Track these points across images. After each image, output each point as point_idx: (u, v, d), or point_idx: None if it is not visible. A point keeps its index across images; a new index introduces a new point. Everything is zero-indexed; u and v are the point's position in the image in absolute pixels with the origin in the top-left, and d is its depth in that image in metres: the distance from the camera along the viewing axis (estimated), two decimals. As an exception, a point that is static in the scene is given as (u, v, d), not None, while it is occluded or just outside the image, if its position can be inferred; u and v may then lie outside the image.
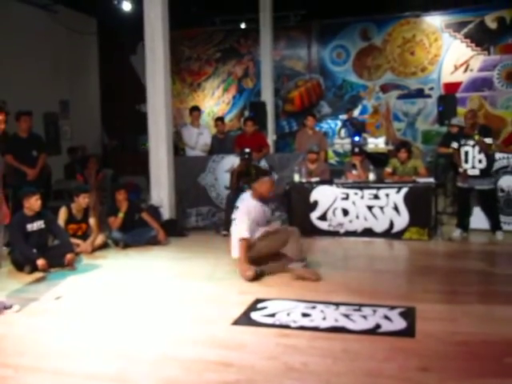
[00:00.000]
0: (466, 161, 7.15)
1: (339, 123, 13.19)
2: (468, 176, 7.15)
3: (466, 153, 7.14)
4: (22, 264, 6.06)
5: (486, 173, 7.12)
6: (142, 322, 4.44)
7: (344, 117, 12.73)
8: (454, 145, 7.31)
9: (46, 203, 7.72)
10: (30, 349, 3.92)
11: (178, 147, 9.41)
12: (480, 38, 12.44)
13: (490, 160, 7.22)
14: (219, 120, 9.84)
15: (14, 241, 6.15)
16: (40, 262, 5.95)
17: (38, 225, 6.26)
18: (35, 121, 8.90)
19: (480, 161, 7.08)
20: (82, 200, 7.06)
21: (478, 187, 7.19)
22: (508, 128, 11.97)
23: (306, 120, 9.35)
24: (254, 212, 5.76)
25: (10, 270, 6.14)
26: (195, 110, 9.58)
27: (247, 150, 8.08)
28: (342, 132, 11.80)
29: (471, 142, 7.06)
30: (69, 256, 6.21)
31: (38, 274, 5.97)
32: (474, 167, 7.11)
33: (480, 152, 7.04)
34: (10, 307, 4.76)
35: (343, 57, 13.58)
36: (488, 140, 7.03)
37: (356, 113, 13.16)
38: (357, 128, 11.56)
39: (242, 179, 8.13)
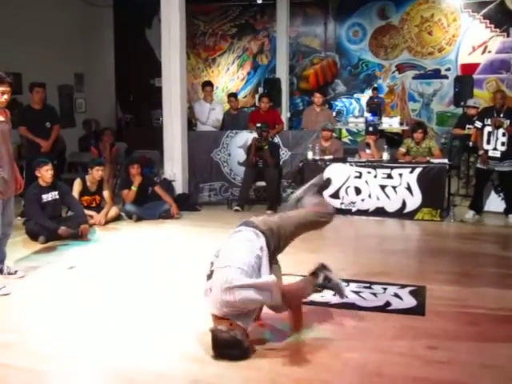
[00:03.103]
0: (488, 141, 7.03)
1: (354, 102, 13.10)
2: (488, 158, 7.03)
3: (489, 133, 7.01)
4: (37, 234, 6.15)
5: (506, 155, 6.97)
6: (133, 321, 4.17)
7: (368, 95, 12.60)
8: (478, 124, 7.19)
9: (60, 175, 7.79)
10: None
11: (191, 122, 9.37)
12: (499, 20, 12.19)
13: None
14: (232, 96, 9.77)
15: (30, 211, 6.23)
16: (62, 230, 6.07)
17: (52, 196, 6.32)
18: (50, 93, 8.92)
19: (503, 143, 6.95)
20: (96, 173, 7.11)
21: (498, 169, 7.08)
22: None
23: (314, 97, 9.31)
24: None
25: (25, 239, 6.24)
26: (208, 85, 9.52)
27: (263, 125, 8.06)
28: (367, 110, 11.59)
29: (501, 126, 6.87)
30: (83, 227, 6.29)
31: (52, 244, 6.09)
32: (495, 149, 6.98)
33: (504, 134, 6.92)
34: (14, 273, 4.89)
35: (360, 35, 13.40)
36: None
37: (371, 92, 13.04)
38: (372, 107, 11.43)
39: (257, 154, 8.09)
